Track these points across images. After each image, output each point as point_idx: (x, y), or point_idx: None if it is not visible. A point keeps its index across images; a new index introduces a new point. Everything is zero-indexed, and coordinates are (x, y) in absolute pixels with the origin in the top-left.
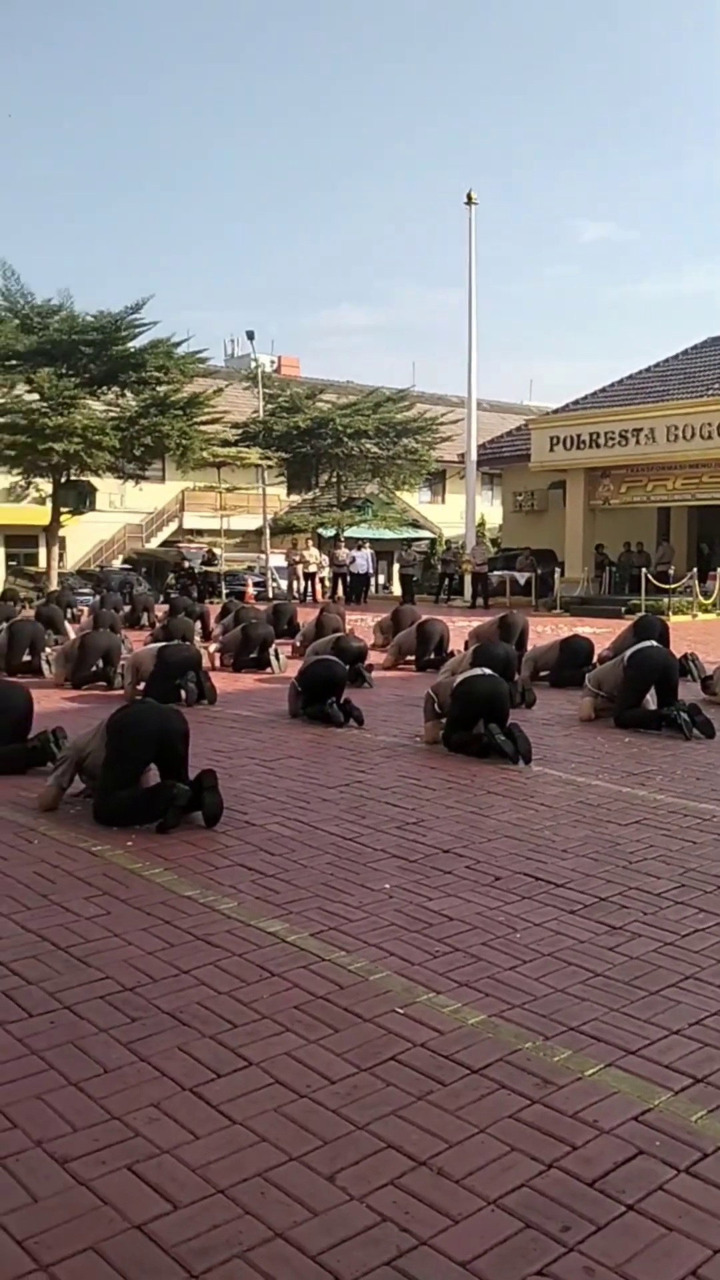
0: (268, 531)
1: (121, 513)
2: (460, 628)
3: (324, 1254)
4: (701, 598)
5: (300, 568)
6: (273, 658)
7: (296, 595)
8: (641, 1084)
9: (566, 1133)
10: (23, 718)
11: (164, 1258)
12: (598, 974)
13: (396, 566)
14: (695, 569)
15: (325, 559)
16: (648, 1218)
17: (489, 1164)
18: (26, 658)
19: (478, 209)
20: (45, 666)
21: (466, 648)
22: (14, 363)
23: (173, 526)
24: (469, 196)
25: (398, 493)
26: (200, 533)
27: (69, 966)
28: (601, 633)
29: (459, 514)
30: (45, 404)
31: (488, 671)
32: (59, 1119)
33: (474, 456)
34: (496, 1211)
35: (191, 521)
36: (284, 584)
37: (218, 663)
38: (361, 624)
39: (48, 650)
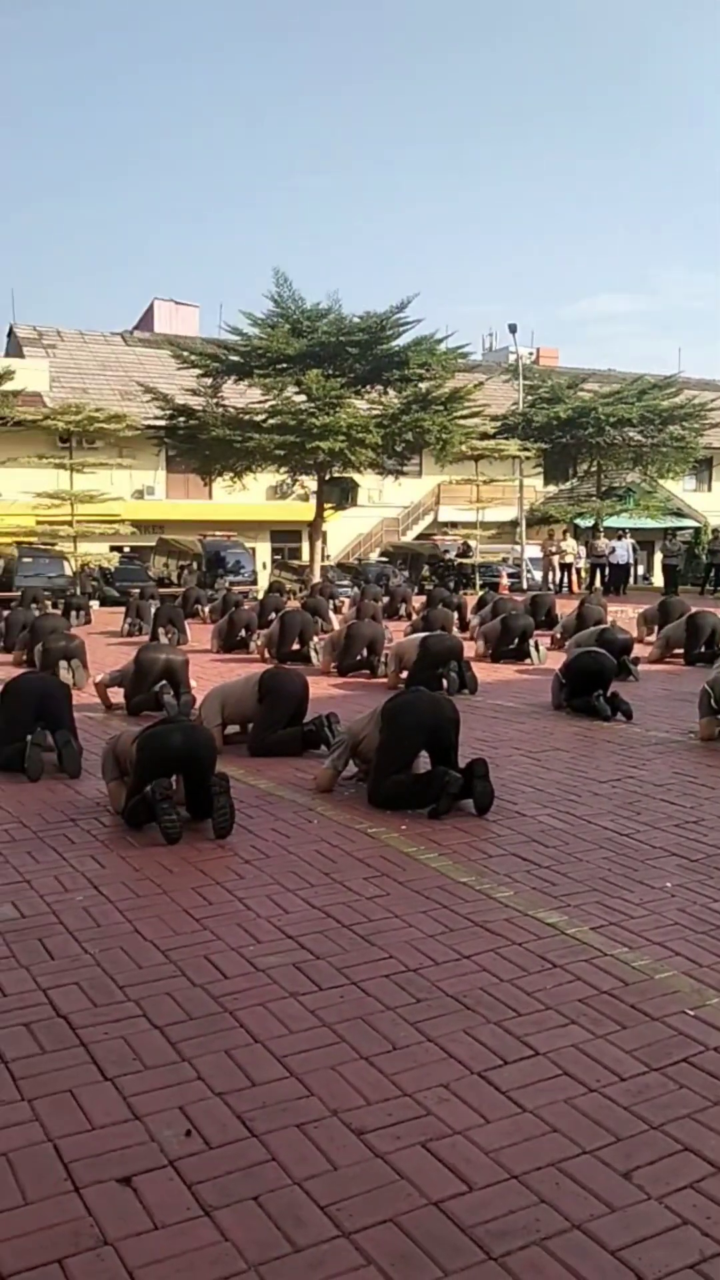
0: (524, 523)
1: (379, 507)
2: None
3: (624, 1250)
4: None
5: (556, 558)
6: (532, 649)
7: (552, 586)
8: None
9: None
10: (299, 703)
11: (462, 1237)
12: None
13: (659, 556)
14: None
15: (582, 549)
16: None
17: None
18: (296, 646)
19: None
20: (313, 654)
21: None
22: (284, 366)
23: (428, 520)
24: None
25: (661, 481)
26: (455, 525)
27: (354, 944)
28: None
29: None
30: (313, 404)
31: None
32: (353, 1091)
33: None
34: None
35: (447, 514)
36: (539, 575)
37: (478, 653)
38: (623, 615)
39: (315, 639)
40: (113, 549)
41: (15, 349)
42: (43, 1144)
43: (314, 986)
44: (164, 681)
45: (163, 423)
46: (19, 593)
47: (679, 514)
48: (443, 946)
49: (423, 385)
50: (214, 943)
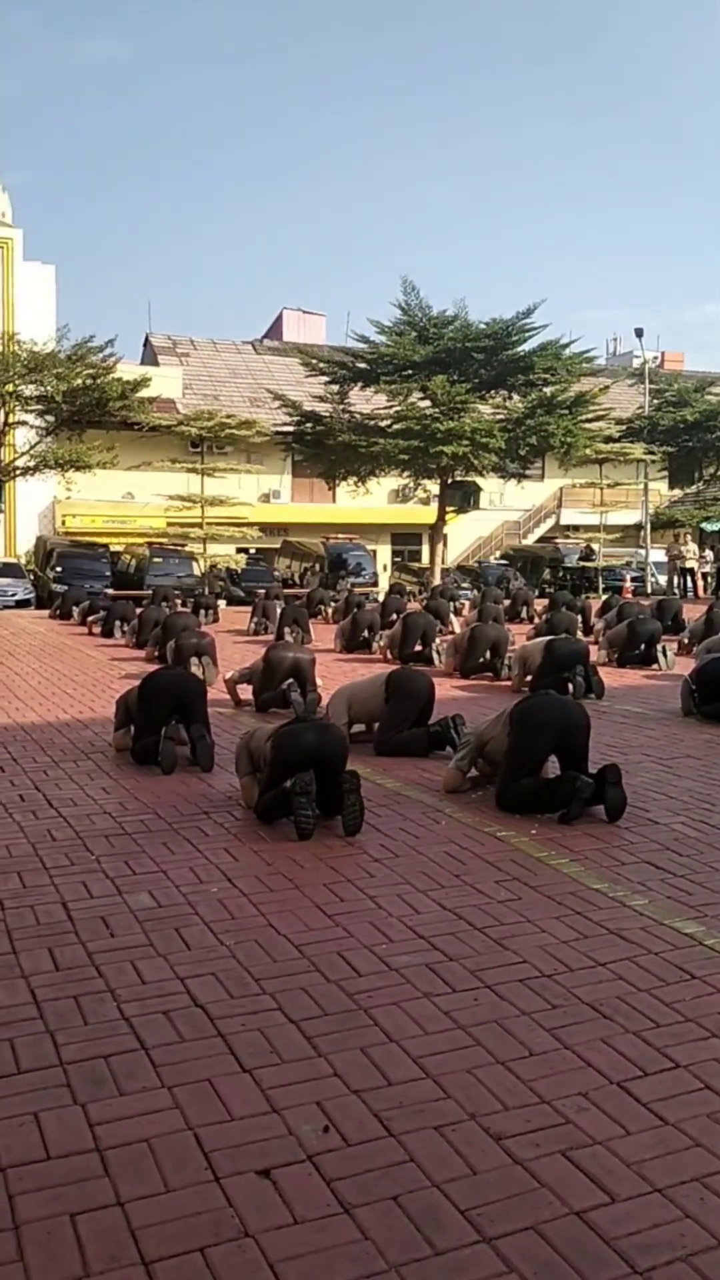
0: (648, 526)
1: (500, 510)
2: None
3: None
4: None
5: (678, 562)
6: (660, 654)
7: (676, 590)
8: None
9: None
10: (425, 704)
11: (606, 1249)
12: None
13: None
14: None
15: (708, 553)
16: None
17: None
18: (418, 647)
19: None
20: (435, 656)
21: None
22: (410, 372)
23: (550, 523)
24: None
25: None
26: (577, 528)
27: (487, 947)
28: None
29: None
30: (437, 410)
31: None
32: (490, 1095)
33: None
34: None
35: (569, 517)
36: (663, 579)
37: (604, 658)
38: None
39: (437, 641)
40: (239, 550)
41: (151, 357)
42: (183, 1132)
43: (448, 988)
44: (291, 679)
45: (290, 429)
46: (150, 591)
47: None
48: (577, 953)
49: (547, 389)
50: (346, 939)
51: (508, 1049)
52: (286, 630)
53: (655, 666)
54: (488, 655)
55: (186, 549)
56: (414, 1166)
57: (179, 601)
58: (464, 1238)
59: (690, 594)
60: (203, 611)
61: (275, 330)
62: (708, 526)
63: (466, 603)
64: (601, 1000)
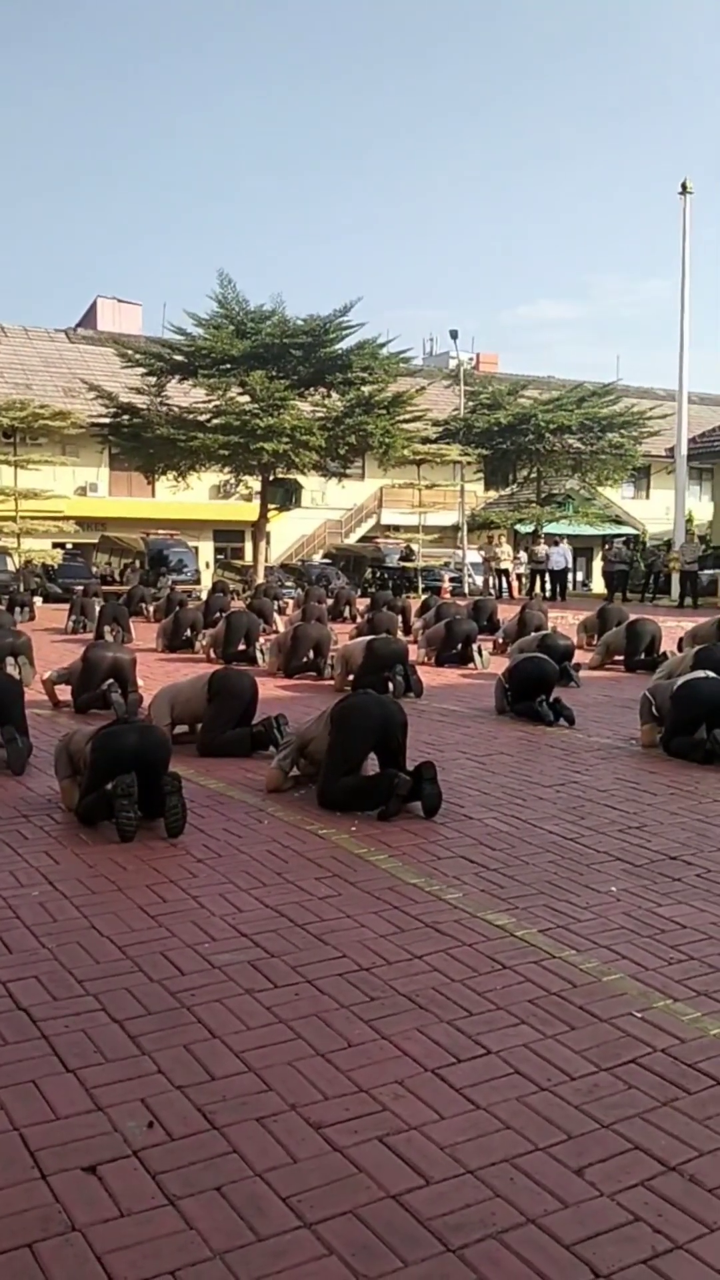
0: (465, 528)
1: (323, 509)
2: (670, 628)
3: (578, 1245)
4: None
5: (493, 563)
6: (475, 653)
7: (492, 591)
8: None
9: None
10: (249, 704)
11: (421, 1229)
12: None
13: (598, 563)
14: None
15: (522, 555)
16: None
17: None
18: (241, 646)
19: (692, 198)
20: (259, 656)
21: (680, 649)
22: (228, 367)
23: (371, 522)
24: (684, 186)
25: (600, 488)
26: (397, 528)
27: (307, 943)
28: None
29: (663, 509)
30: (257, 406)
31: (711, 674)
32: (310, 1086)
33: (684, 451)
34: None
35: (389, 517)
36: (479, 580)
37: (422, 657)
38: (563, 621)
39: (261, 640)
40: (55, 545)
41: None
42: (8, 1132)
43: (269, 984)
44: (111, 680)
45: (107, 420)
46: None
47: (618, 521)
48: (395, 946)
49: (365, 389)
50: (170, 939)
51: (327, 1041)
52: (106, 629)
53: (471, 665)
54: (311, 655)
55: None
56: (236, 1157)
57: None
58: (285, 1224)
59: (505, 594)
60: (17, 609)
61: (90, 319)
62: (521, 528)
63: (290, 601)
64: (417, 991)
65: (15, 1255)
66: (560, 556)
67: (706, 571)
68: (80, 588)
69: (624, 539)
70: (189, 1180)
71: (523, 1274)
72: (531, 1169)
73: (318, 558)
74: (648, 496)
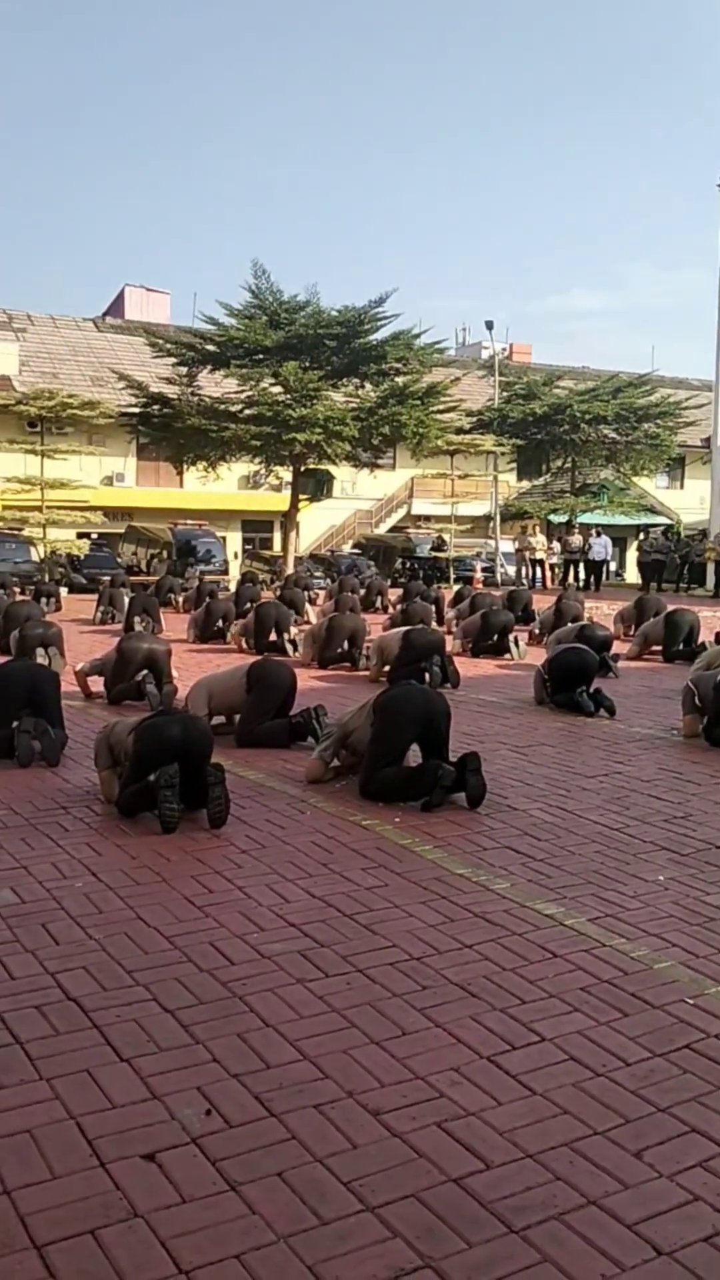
0: (498, 517)
1: (353, 499)
2: (707, 618)
3: (640, 1224)
4: None
5: (528, 554)
6: (512, 644)
7: (525, 581)
8: None
9: None
10: (287, 695)
11: (483, 1212)
12: None
13: (632, 553)
14: None
15: (556, 545)
16: None
17: None
18: (272, 638)
19: None
20: (289, 646)
21: (719, 640)
22: (261, 357)
23: (401, 512)
24: None
25: (634, 478)
26: (428, 518)
27: (357, 933)
28: None
29: (699, 499)
30: (290, 396)
31: None
32: (366, 1074)
33: None
34: None
35: (420, 507)
36: (511, 570)
37: (458, 648)
38: (598, 611)
39: (292, 630)
40: (80, 535)
41: None
42: (65, 1121)
43: (320, 973)
44: (146, 671)
45: (136, 410)
46: None
47: (652, 511)
48: (445, 936)
49: (399, 379)
50: (217, 930)
51: (381, 1029)
52: (136, 620)
53: (508, 656)
54: (345, 645)
55: (24, 534)
56: (296, 1144)
57: (18, 589)
58: (348, 1208)
59: (539, 585)
60: (44, 599)
61: (117, 308)
62: (555, 518)
63: (321, 592)
64: (469, 980)
65: (80, 1241)
66: (601, 547)
67: None
68: (108, 578)
69: (661, 529)
70: (250, 1166)
71: (586, 1253)
72: (590, 1152)
73: (347, 548)
74: (682, 486)
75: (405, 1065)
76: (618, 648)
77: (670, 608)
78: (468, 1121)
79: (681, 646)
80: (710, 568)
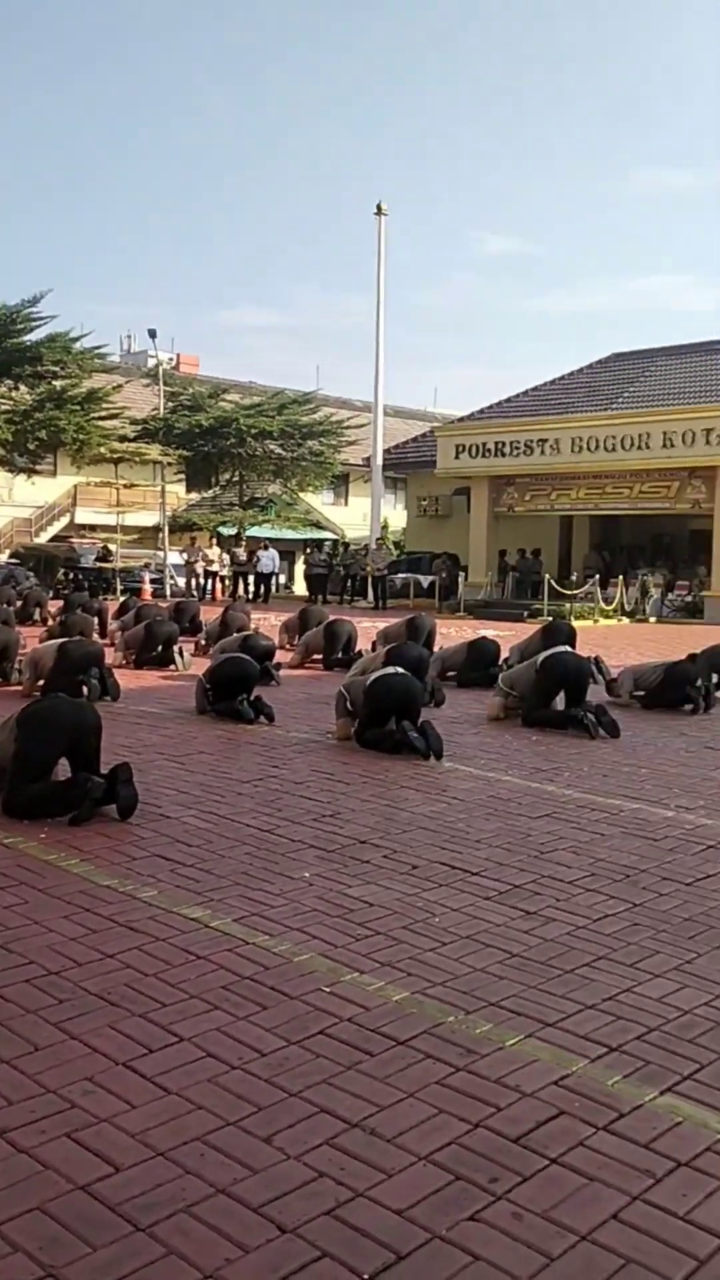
0: (166, 529)
1: (10, 506)
2: (365, 628)
3: (265, 1206)
4: (603, 604)
5: (201, 565)
6: (176, 655)
7: (194, 593)
8: (560, 1052)
9: (490, 1096)
10: None
11: (109, 1214)
12: (514, 955)
13: (300, 566)
14: (596, 575)
15: (226, 557)
16: (570, 1169)
17: (419, 1125)
18: None
19: (387, 219)
20: None
21: (374, 648)
22: None
23: (64, 521)
24: (379, 208)
25: (300, 494)
26: (93, 528)
27: None
28: (506, 635)
29: (361, 516)
30: None
31: (401, 670)
32: None
33: (379, 461)
34: (428, 1166)
35: (84, 517)
36: (181, 581)
37: (120, 659)
38: (265, 623)
39: None
40: None
41: None
42: None
43: None
44: None
45: None
46: None
47: (318, 526)
48: (85, 948)
49: (57, 383)
50: None
51: (12, 1048)
52: None
53: (172, 667)
54: None
55: None
56: None
57: None
58: None
59: (209, 596)
60: None
61: None
62: (224, 530)
63: None
64: (109, 989)
65: None
66: (269, 560)
67: (400, 575)
68: None
69: (324, 544)
70: None
71: (211, 1240)
72: (221, 1143)
73: (3, 557)
74: (346, 503)
75: (36, 1080)
76: (281, 656)
77: (330, 618)
78: (99, 1128)
79: (340, 654)
80: (370, 580)
